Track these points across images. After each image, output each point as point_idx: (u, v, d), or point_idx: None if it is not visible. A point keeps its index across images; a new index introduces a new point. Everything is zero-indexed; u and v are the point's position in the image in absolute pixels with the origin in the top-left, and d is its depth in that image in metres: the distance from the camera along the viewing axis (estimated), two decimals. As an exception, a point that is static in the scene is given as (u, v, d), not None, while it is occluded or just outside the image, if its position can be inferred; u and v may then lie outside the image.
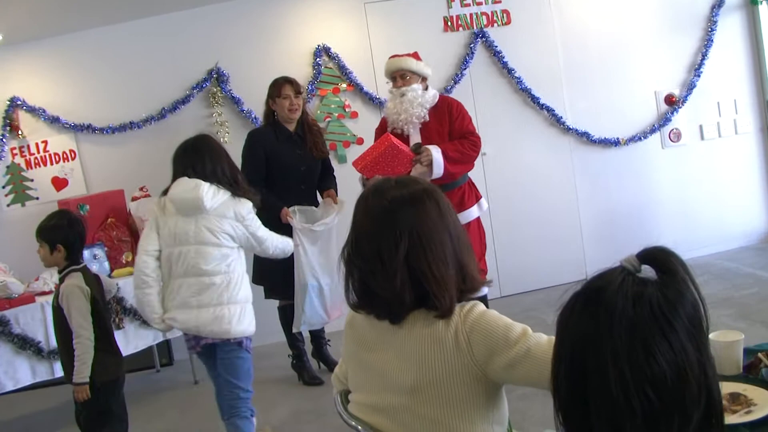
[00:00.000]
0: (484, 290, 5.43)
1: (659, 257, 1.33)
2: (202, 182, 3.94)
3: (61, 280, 4.04)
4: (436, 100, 5.35)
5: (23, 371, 5.18)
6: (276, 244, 4.27)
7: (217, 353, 4.09)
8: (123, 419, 4.20)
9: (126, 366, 5.93)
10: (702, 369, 1.25)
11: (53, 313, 4.13)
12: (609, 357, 1.26)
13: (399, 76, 5.32)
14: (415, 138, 5.30)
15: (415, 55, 5.39)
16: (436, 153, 5.04)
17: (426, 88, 5.37)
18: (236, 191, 4.06)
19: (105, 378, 4.00)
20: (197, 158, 4.06)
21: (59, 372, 4.72)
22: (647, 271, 1.33)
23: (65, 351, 4.04)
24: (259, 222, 4.16)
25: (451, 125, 5.29)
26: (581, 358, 1.31)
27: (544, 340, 1.90)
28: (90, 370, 3.89)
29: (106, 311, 4.24)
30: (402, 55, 5.38)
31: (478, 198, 5.38)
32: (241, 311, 4.01)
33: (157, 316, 4.04)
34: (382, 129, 5.48)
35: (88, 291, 3.98)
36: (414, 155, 4.98)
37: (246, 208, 4.06)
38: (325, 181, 5.70)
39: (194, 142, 4.18)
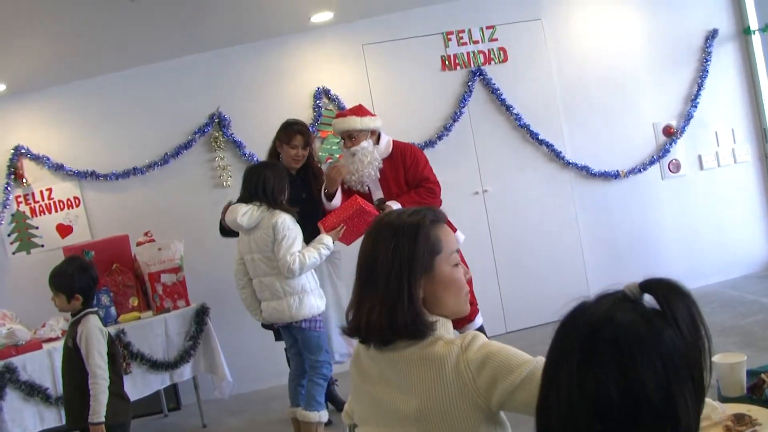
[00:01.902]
0: (479, 321, 5.46)
1: (658, 289, 1.32)
2: (239, 206, 4.88)
3: (77, 322, 4.11)
4: (390, 149, 5.42)
5: (30, 418, 5.14)
6: (300, 258, 4.82)
7: (292, 332, 5.05)
8: None
9: (133, 411, 5.96)
10: (666, 411, 1.23)
11: (65, 354, 4.20)
12: (565, 371, 1.29)
13: (347, 137, 5.38)
14: (376, 192, 5.39)
15: (359, 111, 5.43)
16: (396, 208, 5.08)
17: (378, 140, 5.43)
18: (272, 205, 4.83)
19: (114, 421, 4.06)
20: (244, 183, 5.00)
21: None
22: (649, 301, 1.32)
23: (73, 392, 4.11)
24: (290, 236, 4.79)
25: (405, 173, 5.36)
26: (551, 368, 1.35)
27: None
28: (105, 410, 3.97)
29: (119, 354, 4.34)
30: (346, 114, 5.44)
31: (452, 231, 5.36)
32: (298, 300, 4.86)
33: (253, 309, 5.12)
34: (341, 185, 5.54)
35: (107, 332, 4.13)
36: (377, 212, 5.01)
37: (278, 218, 4.79)
38: None
39: (246, 170, 5.15)
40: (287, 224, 4.77)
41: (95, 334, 4.04)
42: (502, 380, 1.89)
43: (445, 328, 2.09)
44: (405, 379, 2.01)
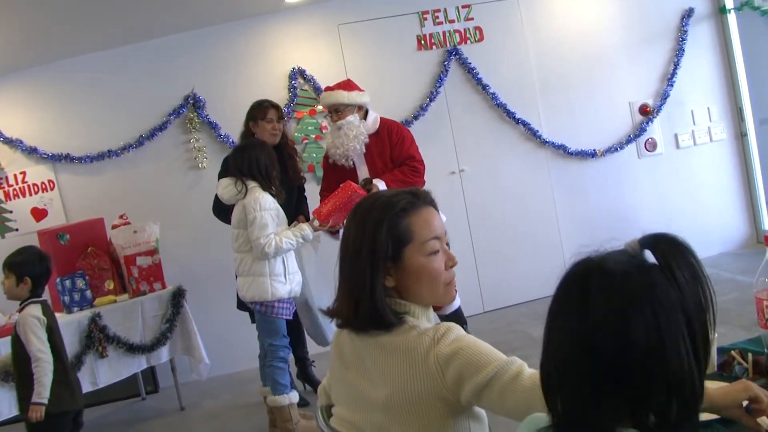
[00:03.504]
0: (457, 303, 5.47)
1: (657, 244, 1.35)
2: (223, 180, 4.92)
3: (21, 311, 4.19)
4: (377, 125, 5.39)
5: (4, 405, 5.11)
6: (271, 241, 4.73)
7: None
8: None
9: (110, 394, 5.96)
10: (656, 360, 1.26)
11: (12, 344, 4.25)
12: (561, 316, 1.33)
13: (333, 111, 5.36)
14: (361, 167, 5.37)
15: (347, 85, 5.40)
16: (381, 186, 5.10)
17: (365, 115, 5.41)
18: (266, 183, 4.82)
19: (57, 409, 4.09)
20: (235, 162, 4.89)
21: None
22: (649, 257, 1.35)
23: (21, 381, 4.17)
24: (263, 216, 4.69)
25: (391, 150, 5.33)
26: (551, 316, 1.38)
27: (517, 368, 1.84)
28: (48, 392, 4.01)
29: (63, 344, 4.35)
30: (334, 88, 5.40)
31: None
32: (250, 281, 4.81)
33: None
34: (325, 161, 5.56)
35: (44, 320, 4.15)
36: (365, 193, 4.97)
37: (253, 197, 4.73)
38: (299, 207, 5.69)
39: (235, 149, 5.13)
40: (260, 203, 4.70)
41: (30, 321, 4.09)
42: (468, 378, 1.85)
43: (425, 315, 2.06)
44: (377, 365, 2.00)
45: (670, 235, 1.36)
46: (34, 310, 4.16)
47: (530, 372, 1.83)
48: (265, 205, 4.71)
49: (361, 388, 2.04)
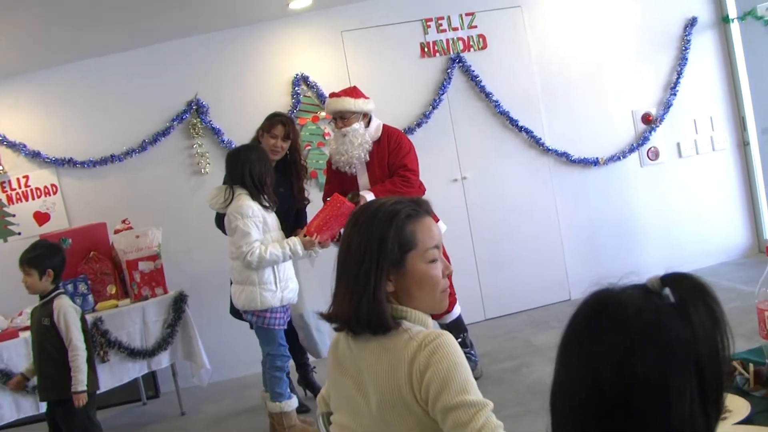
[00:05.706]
0: (457, 311, 5.47)
1: (677, 284, 1.29)
2: (212, 189, 4.90)
3: (48, 302, 4.40)
4: (379, 132, 5.38)
5: (7, 407, 5.14)
6: (253, 249, 4.65)
7: None
8: (101, 429, 4.65)
9: (111, 399, 6.00)
10: (657, 404, 1.20)
11: (40, 332, 4.44)
12: (573, 346, 1.28)
13: (339, 118, 5.34)
14: (362, 175, 5.35)
15: (353, 92, 5.38)
16: (369, 198, 4.98)
17: (369, 123, 5.40)
18: (258, 191, 4.73)
19: (92, 389, 4.46)
20: (228, 168, 4.86)
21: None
22: (669, 296, 1.28)
23: (50, 366, 4.40)
24: (246, 224, 4.62)
25: (388, 157, 5.33)
26: (562, 346, 1.33)
27: (482, 421, 1.82)
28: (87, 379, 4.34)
29: (89, 331, 4.74)
30: (340, 95, 5.37)
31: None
32: (240, 290, 4.76)
33: None
34: (329, 166, 5.56)
35: (79, 310, 4.47)
36: (354, 205, 4.94)
37: (235, 205, 4.66)
38: (297, 221, 5.57)
39: (229, 153, 5.06)
40: (241, 211, 4.63)
41: (71, 312, 4.38)
42: (434, 394, 1.86)
43: (420, 320, 2.06)
44: (370, 373, 2.00)
45: (693, 275, 1.29)
46: (68, 300, 4.45)
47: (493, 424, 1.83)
48: (247, 213, 4.62)
49: (357, 396, 2.05)
